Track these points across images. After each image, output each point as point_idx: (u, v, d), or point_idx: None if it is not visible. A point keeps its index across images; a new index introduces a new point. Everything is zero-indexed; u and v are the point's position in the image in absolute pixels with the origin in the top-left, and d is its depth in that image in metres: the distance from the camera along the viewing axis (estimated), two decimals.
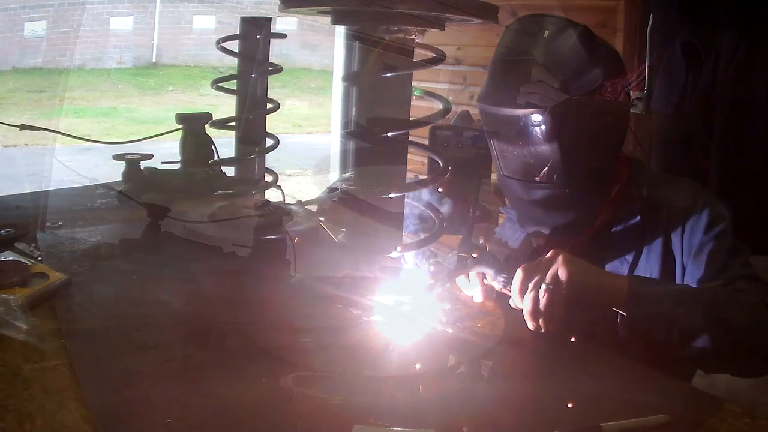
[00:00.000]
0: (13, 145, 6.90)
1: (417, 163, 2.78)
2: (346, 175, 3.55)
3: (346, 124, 4.12)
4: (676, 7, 2.10)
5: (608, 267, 1.09)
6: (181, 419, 0.68)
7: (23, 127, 1.77)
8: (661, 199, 1.09)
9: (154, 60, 12.16)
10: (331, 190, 2.67)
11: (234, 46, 1.28)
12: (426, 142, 2.16)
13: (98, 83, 10.74)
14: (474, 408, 0.73)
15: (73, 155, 6.19)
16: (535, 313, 0.88)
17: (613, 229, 1.11)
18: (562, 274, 0.89)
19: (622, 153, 1.15)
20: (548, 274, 0.89)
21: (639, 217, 1.09)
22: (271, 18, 1.28)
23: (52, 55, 11.14)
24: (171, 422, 0.67)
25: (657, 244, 1.07)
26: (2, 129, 1.83)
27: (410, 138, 0.91)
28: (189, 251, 1.18)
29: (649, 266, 1.07)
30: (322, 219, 1.49)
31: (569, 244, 1.12)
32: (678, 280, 1.05)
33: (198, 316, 0.94)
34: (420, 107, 0.99)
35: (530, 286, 0.89)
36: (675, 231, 1.06)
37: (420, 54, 0.89)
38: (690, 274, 1.04)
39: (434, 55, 0.90)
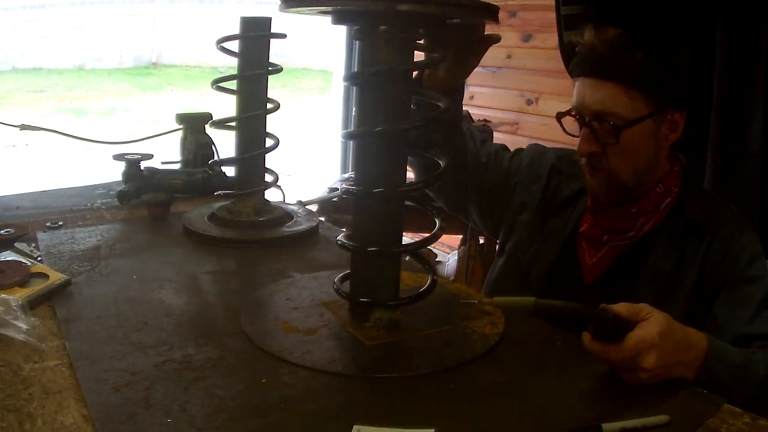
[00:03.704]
0: (13, 146, 6.91)
1: None
2: (346, 175, 3.56)
3: (346, 124, 4.12)
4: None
5: (642, 278, 1.08)
6: (181, 419, 0.68)
7: (23, 127, 1.77)
8: (707, 222, 1.08)
9: (154, 60, 12.16)
10: (331, 190, 2.69)
11: (234, 46, 1.28)
12: None
13: (98, 83, 10.75)
14: (472, 405, 0.73)
15: (73, 155, 6.20)
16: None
17: (654, 241, 1.10)
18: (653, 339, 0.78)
19: (677, 166, 1.14)
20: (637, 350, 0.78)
21: (682, 233, 1.08)
22: (271, 18, 1.28)
23: (52, 55, 11.15)
24: (171, 422, 0.67)
25: (694, 265, 1.06)
26: (2, 129, 1.83)
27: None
28: None
29: (685, 282, 1.06)
30: (322, 219, 1.49)
31: (611, 243, 1.12)
32: (706, 304, 1.04)
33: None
34: None
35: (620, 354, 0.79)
36: (714, 255, 1.05)
37: (420, 54, 0.89)
38: (719, 306, 1.02)
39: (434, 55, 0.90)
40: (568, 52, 1.19)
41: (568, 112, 1.11)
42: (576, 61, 1.10)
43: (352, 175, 0.94)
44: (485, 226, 1.36)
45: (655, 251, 1.09)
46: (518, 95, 3.32)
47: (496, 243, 2.73)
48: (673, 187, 1.12)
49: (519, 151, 1.32)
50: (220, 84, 1.29)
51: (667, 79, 1.05)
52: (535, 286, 1.18)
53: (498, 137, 2.88)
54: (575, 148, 1.11)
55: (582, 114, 1.08)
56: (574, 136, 1.11)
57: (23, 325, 0.84)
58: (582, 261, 1.16)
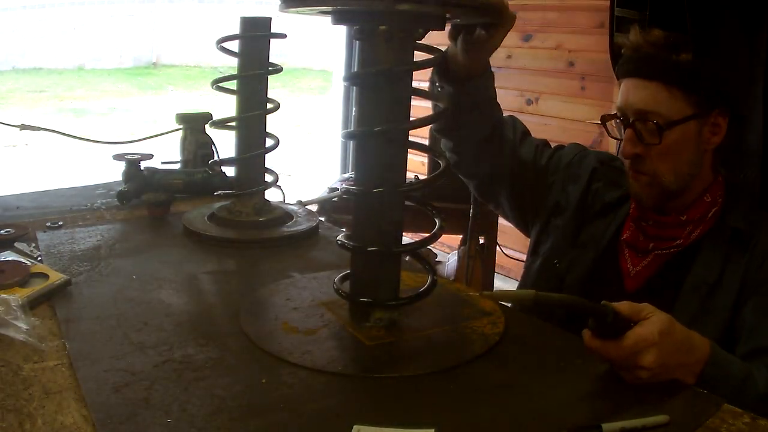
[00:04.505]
0: (13, 146, 6.91)
1: (417, 162, 2.79)
2: (346, 175, 3.55)
3: (346, 124, 4.12)
4: None
5: (686, 286, 1.07)
6: (181, 419, 0.68)
7: (23, 127, 1.77)
8: (750, 230, 1.07)
9: (154, 60, 12.18)
10: (331, 190, 2.69)
11: (234, 46, 1.28)
12: (426, 142, 2.16)
13: (98, 83, 10.76)
14: (472, 405, 0.73)
15: (73, 155, 6.20)
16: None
17: (699, 249, 1.09)
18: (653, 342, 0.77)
19: (720, 177, 1.13)
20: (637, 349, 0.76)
21: (726, 242, 1.07)
22: (271, 18, 1.28)
23: (52, 55, 11.16)
24: (171, 422, 0.67)
25: (738, 274, 1.04)
26: (2, 129, 1.83)
27: (410, 138, 0.91)
28: None
29: (729, 291, 1.04)
30: (322, 219, 1.49)
31: (657, 252, 1.11)
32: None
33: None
34: (420, 107, 1.00)
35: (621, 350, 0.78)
36: (755, 262, 1.04)
37: (420, 54, 0.89)
38: (747, 312, 1.00)
39: (434, 55, 0.90)
40: (616, 54, 1.19)
41: (613, 116, 1.11)
42: (621, 62, 1.10)
43: (352, 175, 0.94)
44: (515, 219, 1.35)
45: (700, 260, 1.08)
46: (518, 95, 3.32)
47: (497, 243, 2.73)
48: (718, 197, 1.11)
49: (559, 148, 1.30)
50: (220, 84, 1.29)
51: (711, 81, 1.05)
52: (572, 292, 1.15)
53: None
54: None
55: (626, 115, 1.07)
56: (617, 138, 1.11)
57: (23, 325, 0.84)
58: (624, 269, 1.14)
